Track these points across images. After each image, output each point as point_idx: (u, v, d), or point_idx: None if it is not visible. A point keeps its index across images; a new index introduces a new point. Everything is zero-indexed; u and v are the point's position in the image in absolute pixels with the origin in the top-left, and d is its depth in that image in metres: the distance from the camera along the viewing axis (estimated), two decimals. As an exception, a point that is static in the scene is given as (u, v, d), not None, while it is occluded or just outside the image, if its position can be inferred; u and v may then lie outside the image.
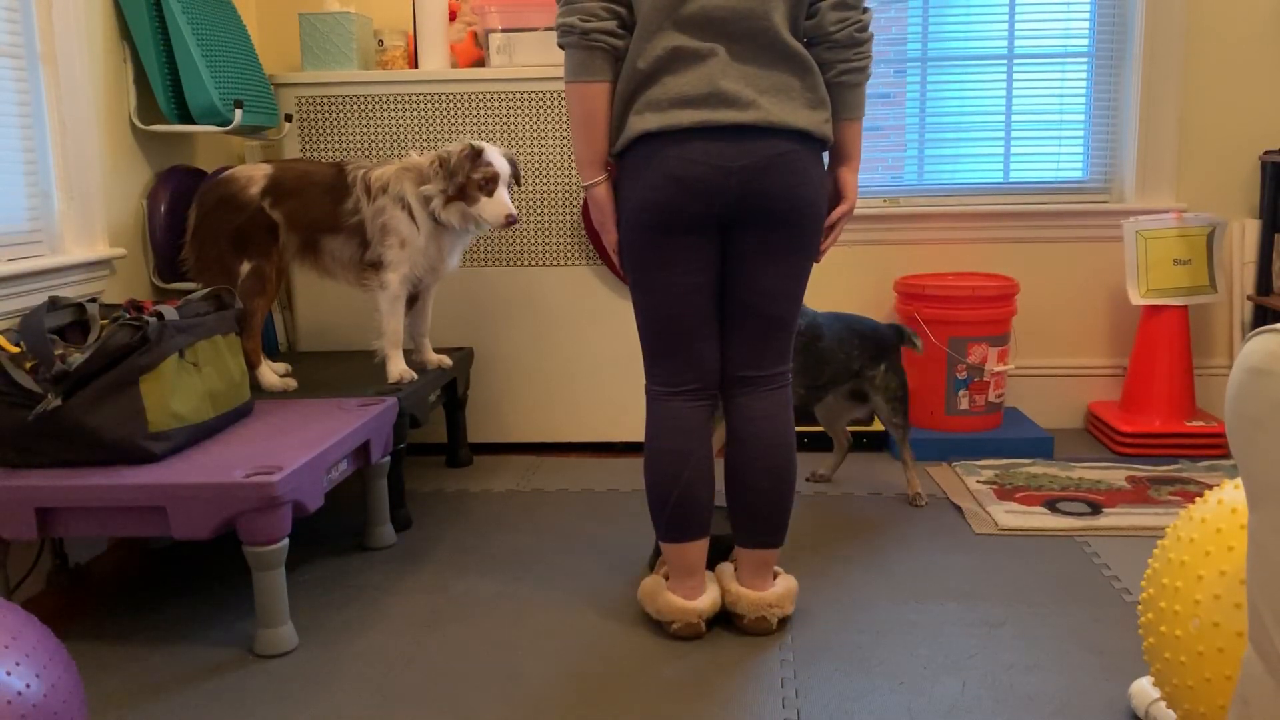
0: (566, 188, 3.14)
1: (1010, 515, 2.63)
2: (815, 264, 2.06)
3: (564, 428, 3.28)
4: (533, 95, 3.09)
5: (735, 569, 2.09)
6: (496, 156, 2.55)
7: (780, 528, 2.04)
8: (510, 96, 3.09)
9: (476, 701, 1.83)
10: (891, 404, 2.72)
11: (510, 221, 2.53)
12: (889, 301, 3.53)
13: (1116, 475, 2.96)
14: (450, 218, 2.57)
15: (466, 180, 2.51)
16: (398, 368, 2.69)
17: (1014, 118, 3.51)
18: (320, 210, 2.62)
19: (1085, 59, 3.46)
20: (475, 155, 2.52)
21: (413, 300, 2.78)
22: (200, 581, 2.39)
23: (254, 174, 2.63)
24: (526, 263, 3.18)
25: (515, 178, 2.64)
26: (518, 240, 3.17)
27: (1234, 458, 1.14)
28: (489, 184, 2.52)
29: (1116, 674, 1.88)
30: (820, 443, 3.26)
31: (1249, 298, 3.35)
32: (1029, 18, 3.44)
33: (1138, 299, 3.22)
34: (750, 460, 2.00)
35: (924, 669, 1.91)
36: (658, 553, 2.32)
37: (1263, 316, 3.32)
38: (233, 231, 2.60)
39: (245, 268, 2.62)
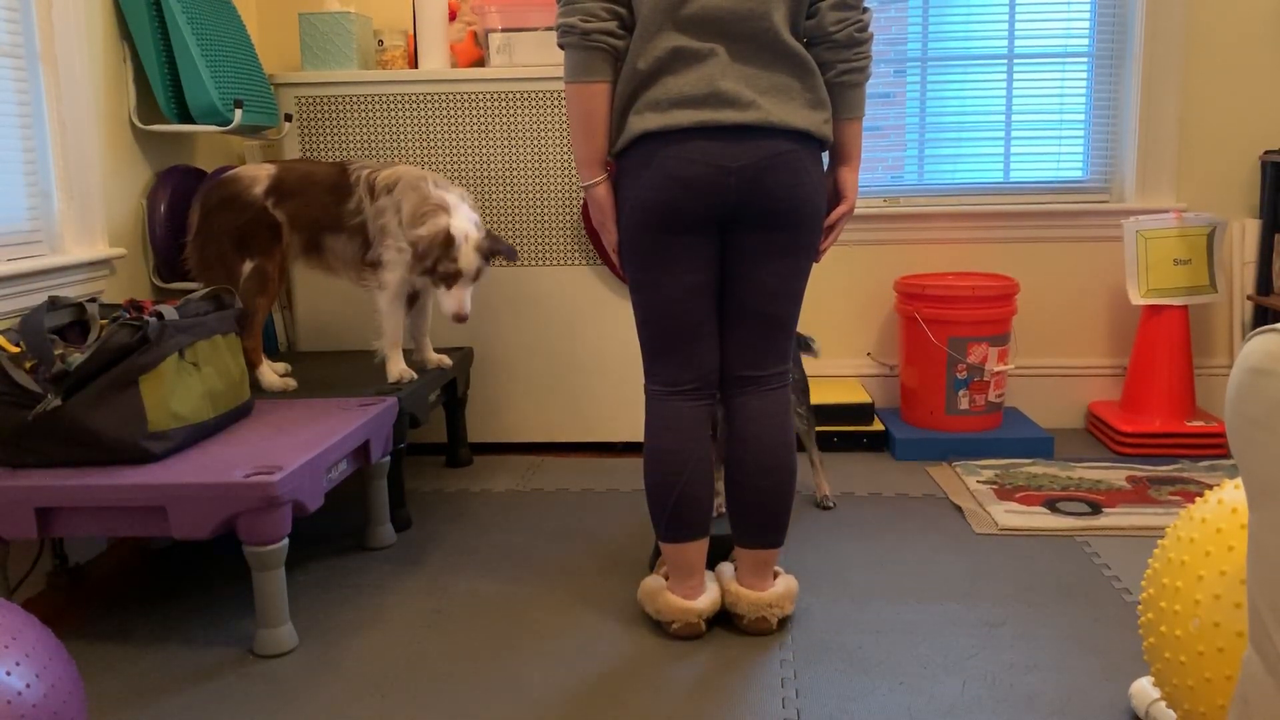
0: (566, 188, 3.14)
1: (1010, 515, 2.63)
2: (815, 264, 2.06)
3: (564, 428, 3.28)
4: (533, 95, 3.09)
5: (735, 569, 2.09)
6: (467, 251, 2.48)
7: (780, 527, 2.04)
8: (510, 96, 3.09)
9: (476, 701, 1.83)
10: (799, 407, 2.75)
11: (457, 320, 2.54)
12: (889, 301, 3.53)
13: (1116, 475, 2.96)
14: (416, 279, 2.61)
15: (434, 265, 2.50)
16: (397, 367, 2.69)
17: (1014, 118, 3.51)
18: (323, 209, 2.63)
19: (1085, 59, 3.46)
20: (448, 244, 2.48)
21: (413, 300, 2.78)
22: (200, 581, 2.39)
23: (257, 174, 2.63)
24: (526, 263, 3.18)
25: (498, 253, 2.58)
26: (518, 240, 3.17)
27: (1234, 458, 1.14)
28: (450, 279, 2.51)
29: (1116, 674, 1.88)
30: (820, 443, 3.26)
31: (1249, 298, 3.35)
32: (1029, 18, 3.44)
33: (1138, 299, 3.22)
34: (750, 460, 2.00)
35: (924, 669, 1.91)
36: (658, 553, 2.32)
37: (1263, 316, 3.32)
38: (235, 231, 2.60)
39: (247, 267, 2.62)
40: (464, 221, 2.51)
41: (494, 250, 2.56)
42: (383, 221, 2.60)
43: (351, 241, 2.65)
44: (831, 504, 2.79)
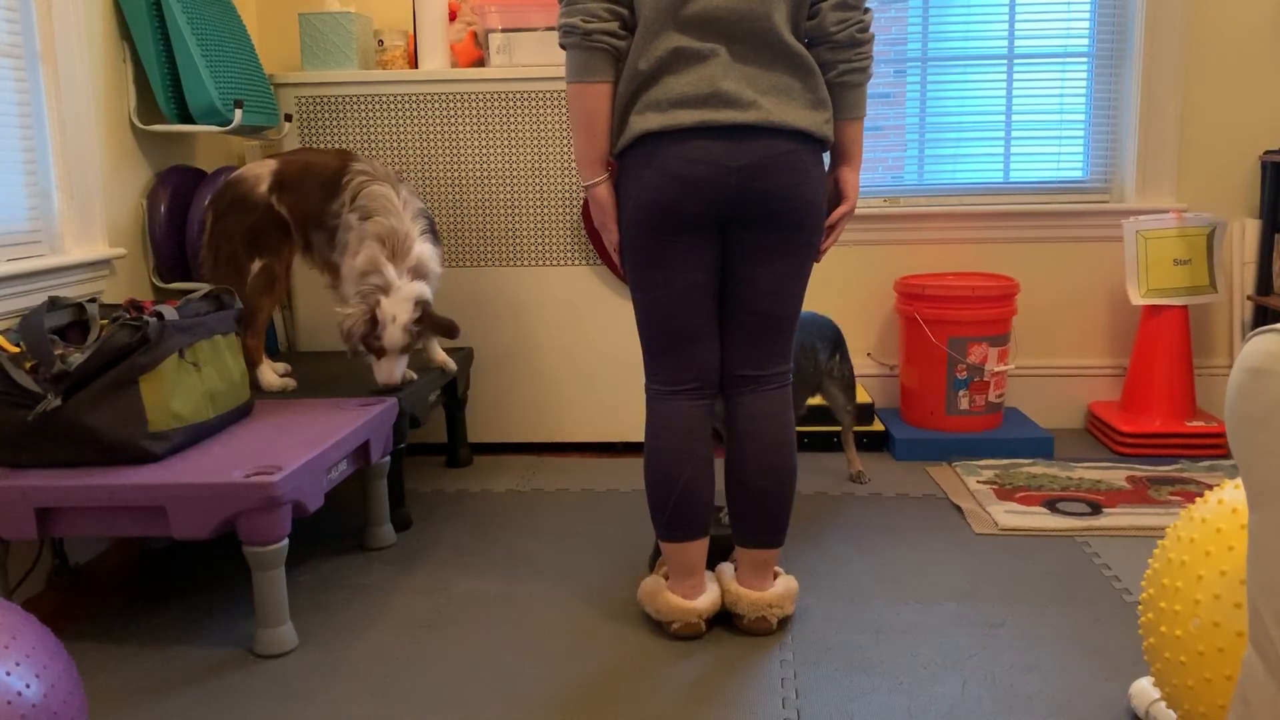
0: (566, 188, 3.14)
1: (1010, 515, 2.63)
2: (815, 264, 2.06)
3: (564, 428, 3.28)
4: (533, 95, 3.09)
5: (735, 569, 2.09)
6: (393, 331, 2.46)
7: (780, 527, 2.04)
8: (510, 96, 3.09)
9: (476, 701, 1.83)
10: (846, 391, 2.86)
11: (387, 390, 2.53)
12: (889, 301, 3.53)
13: (1116, 475, 2.96)
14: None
15: (364, 338, 2.49)
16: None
17: (1014, 118, 3.51)
18: (313, 204, 2.61)
19: (1085, 59, 3.46)
20: (371, 324, 2.47)
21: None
22: (200, 581, 2.39)
23: (261, 171, 2.63)
24: (526, 263, 3.18)
25: (434, 334, 2.56)
26: (518, 240, 3.17)
27: (1234, 458, 1.14)
28: (378, 353, 2.51)
29: (1116, 674, 1.88)
30: (820, 443, 3.26)
31: (1249, 298, 3.35)
32: (1029, 18, 3.44)
33: (1138, 299, 3.22)
34: (751, 460, 2.00)
35: (924, 669, 1.91)
36: (658, 553, 2.32)
37: (1263, 316, 3.32)
38: (245, 231, 2.59)
39: (256, 266, 2.61)
40: (397, 303, 2.46)
41: (427, 331, 2.54)
42: (345, 237, 2.58)
43: (329, 241, 2.64)
44: (867, 479, 2.92)
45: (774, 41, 1.83)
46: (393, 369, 2.52)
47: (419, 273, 2.53)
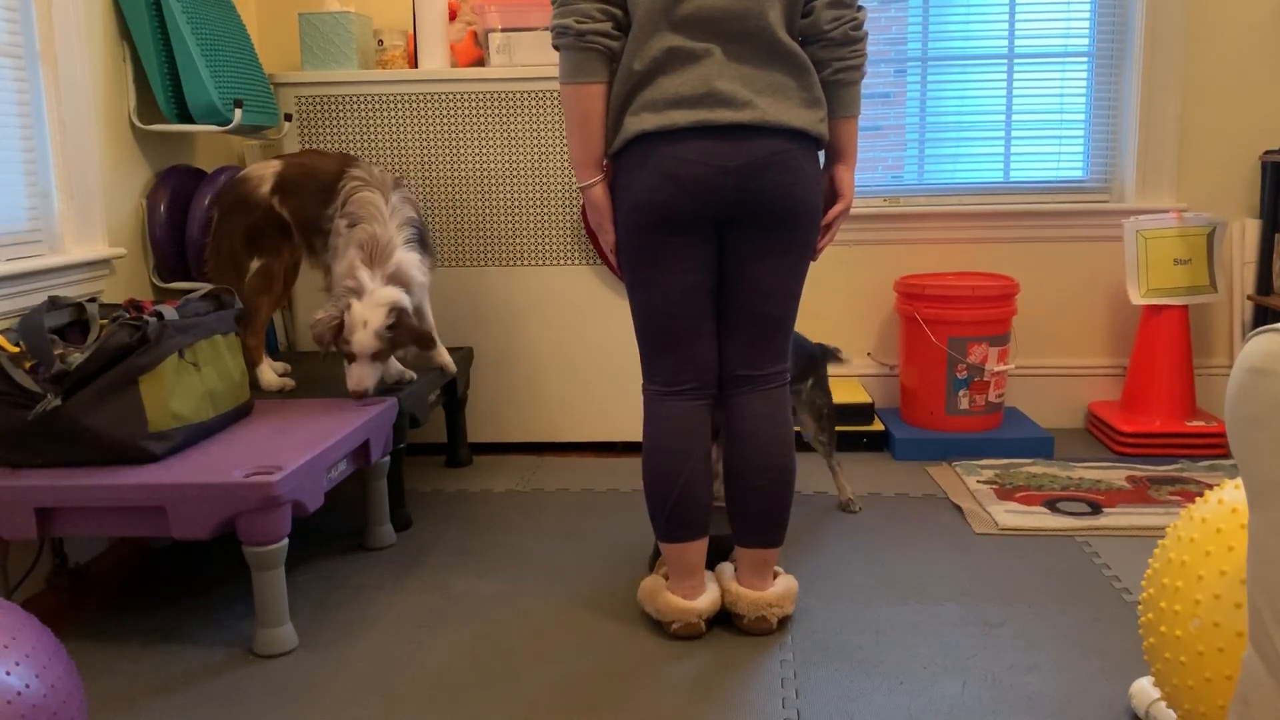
0: (566, 188, 3.14)
1: (1010, 515, 2.63)
2: (812, 262, 2.06)
3: (564, 428, 3.28)
4: (532, 95, 3.09)
5: (735, 569, 2.09)
6: (362, 335, 2.39)
7: (780, 527, 2.04)
8: (510, 96, 3.09)
9: (476, 701, 1.83)
10: (818, 421, 2.65)
11: (354, 396, 2.45)
12: (889, 301, 3.53)
13: (1116, 475, 2.96)
14: None
15: (333, 341, 2.44)
16: (395, 368, 2.68)
17: (1014, 117, 3.51)
18: (311, 208, 2.61)
19: (1085, 59, 3.46)
20: (338, 329, 2.42)
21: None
22: (200, 581, 2.39)
23: (264, 172, 2.63)
24: (526, 263, 3.18)
25: (407, 343, 2.48)
26: (518, 240, 3.17)
27: (1234, 457, 1.14)
28: (349, 357, 2.45)
29: (1116, 674, 1.88)
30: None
31: (1249, 298, 3.35)
32: (1029, 18, 3.44)
33: (1138, 299, 3.22)
34: (749, 459, 2.00)
35: (924, 669, 1.91)
36: (658, 553, 2.32)
37: (1263, 316, 3.32)
38: (245, 230, 2.60)
39: (255, 265, 2.61)
40: (369, 307, 2.40)
41: (401, 339, 2.46)
42: (335, 243, 2.56)
43: (326, 245, 2.62)
44: (857, 508, 2.71)
45: (769, 40, 1.83)
46: (363, 375, 2.44)
47: (398, 280, 2.47)
